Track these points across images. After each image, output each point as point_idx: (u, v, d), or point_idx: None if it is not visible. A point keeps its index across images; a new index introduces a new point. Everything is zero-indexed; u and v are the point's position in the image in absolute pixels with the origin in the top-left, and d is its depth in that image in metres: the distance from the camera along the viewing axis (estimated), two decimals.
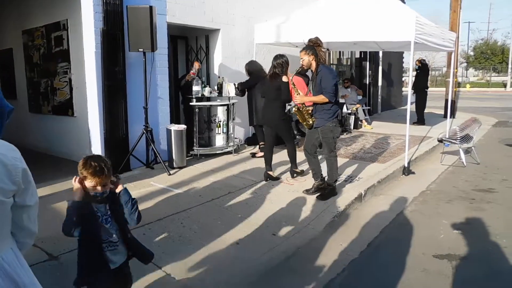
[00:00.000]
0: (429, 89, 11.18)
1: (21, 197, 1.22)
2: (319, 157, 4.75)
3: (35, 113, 7.17)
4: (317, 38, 4.45)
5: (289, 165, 5.41)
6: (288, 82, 4.98)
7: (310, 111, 4.55)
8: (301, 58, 4.36)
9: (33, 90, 7.12)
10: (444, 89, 13.21)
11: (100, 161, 1.97)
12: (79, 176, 1.98)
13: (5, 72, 7.92)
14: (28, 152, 6.67)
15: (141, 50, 5.30)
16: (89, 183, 1.96)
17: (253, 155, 6.55)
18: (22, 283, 1.21)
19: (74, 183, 1.97)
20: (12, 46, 7.55)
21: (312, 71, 4.45)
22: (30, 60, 7.04)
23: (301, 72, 4.81)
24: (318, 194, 4.49)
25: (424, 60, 11.31)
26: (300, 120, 4.71)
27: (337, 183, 4.71)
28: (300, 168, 5.41)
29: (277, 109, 5.12)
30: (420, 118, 10.50)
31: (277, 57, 5.16)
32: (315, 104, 4.46)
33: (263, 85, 5.42)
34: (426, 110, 10.78)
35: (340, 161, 6.19)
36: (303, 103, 4.55)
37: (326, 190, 4.50)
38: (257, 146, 6.82)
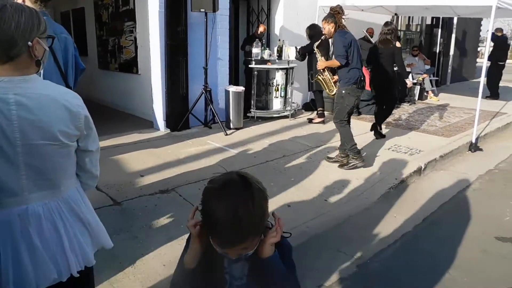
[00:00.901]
0: (510, 60, 10.14)
1: (83, 142, 1.30)
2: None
3: (103, 70, 7.56)
4: (338, 6, 4.36)
5: None
6: (401, 48, 5.24)
7: (335, 80, 4.53)
8: (323, 27, 4.41)
9: (102, 47, 7.47)
10: None
11: (239, 206, 1.04)
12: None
13: (77, 30, 8.36)
14: (96, 105, 7.15)
15: (203, 10, 5.31)
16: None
17: (310, 120, 6.47)
18: (86, 220, 1.32)
19: (190, 222, 1.17)
20: (84, 5, 7.90)
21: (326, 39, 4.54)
22: (100, 18, 7.35)
23: (321, 44, 4.86)
24: (338, 163, 4.41)
25: (502, 30, 10.22)
26: (324, 88, 4.74)
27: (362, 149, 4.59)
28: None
29: (393, 74, 5.50)
30: (493, 93, 9.68)
31: (387, 23, 5.40)
32: (334, 70, 4.49)
33: (373, 52, 5.50)
34: (502, 84, 9.90)
35: (401, 132, 5.98)
36: (324, 70, 4.57)
37: (344, 160, 4.39)
38: (315, 112, 6.70)
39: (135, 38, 6.37)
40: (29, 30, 1.13)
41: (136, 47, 6.40)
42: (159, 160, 4.37)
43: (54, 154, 1.20)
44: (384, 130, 5.96)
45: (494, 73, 9.71)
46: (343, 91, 4.26)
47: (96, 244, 1.37)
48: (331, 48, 4.64)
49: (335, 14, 4.28)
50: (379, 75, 5.50)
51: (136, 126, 5.80)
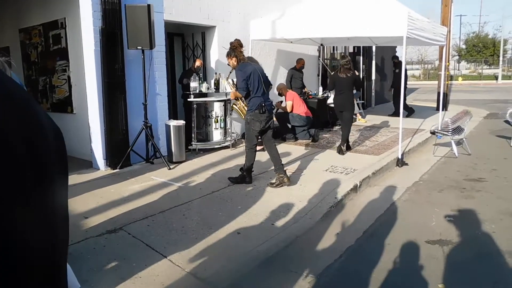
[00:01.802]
0: (422, 82, 11.52)
1: None
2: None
3: None
4: (236, 41, 4.83)
5: (287, 160, 5.59)
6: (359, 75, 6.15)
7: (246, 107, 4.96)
8: (228, 63, 4.85)
9: (32, 87, 7.18)
10: (436, 82, 13.39)
11: None
12: None
13: None
14: None
15: (140, 47, 5.40)
16: None
17: None
18: None
19: None
20: (9, 44, 7.59)
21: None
22: (28, 58, 7.10)
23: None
24: (232, 178, 4.89)
25: (397, 58, 11.73)
26: (240, 115, 5.30)
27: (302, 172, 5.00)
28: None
29: (352, 97, 6.57)
30: (396, 111, 10.90)
31: (343, 57, 6.73)
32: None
33: (337, 80, 6.50)
34: (418, 103, 11.00)
35: (336, 154, 6.38)
36: (237, 99, 5.17)
37: (239, 176, 4.85)
38: None
39: (69, 77, 6.25)
40: None
41: (70, 86, 6.27)
42: (102, 200, 4.28)
43: None
44: (320, 153, 6.35)
45: (398, 95, 11.01)
46: (248, 117, 4.71)
47: None
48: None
49: (235, 48, 4.70)
50: (341, 98, 6.50)
51: (74, 167, 5.61)
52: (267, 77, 4.90)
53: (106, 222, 3.68)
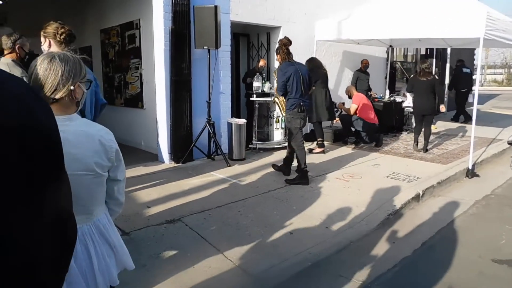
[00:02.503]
0: (505, 88, 10.79)
1: (114, 172, 1.48)
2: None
3: (109, 105, 7.79)
4: (284, 38, 4.94)
5: (347, 164, 5.50)
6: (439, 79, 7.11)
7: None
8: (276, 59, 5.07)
9: (108, 84, 7.77)
10: None
11: None
12: None
13: None
14: None
15: (206, 47, 5.60)
16: None
17: (310, 150, 6.64)
18: (113, 243, 1.47)
19: None
20: (91, 43, 8.26)
21: None
22: (106, 56, 7.68)
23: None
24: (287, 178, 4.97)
25: (462, 61, 11.17)
26: (280, 109, 5.49)
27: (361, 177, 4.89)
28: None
29: (434, 100, 6.61)
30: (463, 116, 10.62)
31: (424, 61, 6.89)
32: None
33: (416, 83, 6.68)
34: (497, 111, 10.19)
35: (399, 160, 6.14)
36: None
37: (296, 177, 4.91)
38: (315, 143, 6.88)
39: (141, 74, 6.66)
40: (73, 76, 1.33)
41: (141, 83, 6.68)
42: (164, 191, 4.51)
43: (90, 183, 1.38)
44: (382, 159, 6.14)
45: (461, 98, 10.75)
46: (288, 117, 4.91)
47: (119, 266, 1.52)
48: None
49: (281, 46, 4.88)
50: (422, 102, 6.67)
51: (141, 159, 5.97)
52: (309, 78, 4.98)
53: (166, 212, 3.88)
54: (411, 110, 9.24)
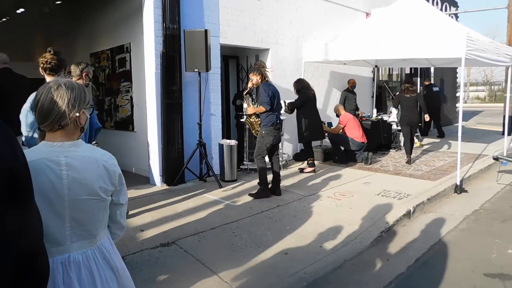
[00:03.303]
0: (488, 104, 11.32)
1: (116, 196, 1.51)
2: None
3: None
4: (262, 61, 5.45)
5: (338, 183, 5.55)
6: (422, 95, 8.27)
7: (259, 122, 5.32)
8: (251, 79, 5.22)
9: (98, 107, 7.76)
10: (503, 104, 12.65)
11: None
12: None
13: None
14: None
15: (196, 70, 5.69)
16: None
17: (301, 170, 6.70)
18: (115, 266, 1.48)
19: None
20: None
21: (257, 88, 5.30)
22: (96, 80, 7.71)
23: (249, 92, 5.64)
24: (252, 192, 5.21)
25: (429, 79, 11.93)
26: (252, 129, 5.58)
27: (352, 196, 4.92)
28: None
29: (418, 113, 7.71)
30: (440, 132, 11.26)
31: (408, 81, 8.07)
32: (261, 115, 5.24)
33: (402, 100, 7.56)
34: (482, 127, 10.47)
35: (389, 177, 6.22)
36: (251, 115, 5.46)
37: (258, 190, 5.16)
38: (305, 162, 6.94)
39: (131, 97, 6.70)
40: (78, 103, 1.37)
41: (132, 106, 6.71)
42: (157, 214, 4.49)
43: (94, 207, 1.40)
44: (372, 177, 6.22)
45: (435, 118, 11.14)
46: (263, 132, 5.13)
47: None
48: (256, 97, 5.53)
49: (261, 67, 5.20)
50: (409, 115, 7.42)
51: (133, 182, 5.94)
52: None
53: (160, 235, 3.85)
54: (399, 128, 9.48)
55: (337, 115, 7.74)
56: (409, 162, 7.29)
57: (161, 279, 3.04)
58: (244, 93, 5.67)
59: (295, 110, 6.83)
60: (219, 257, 3.40)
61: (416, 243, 3.88)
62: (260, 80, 5.15)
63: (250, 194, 5.18)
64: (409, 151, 7.38)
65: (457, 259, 3.51)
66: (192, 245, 3.63)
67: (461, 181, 5.74)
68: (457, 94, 17.06)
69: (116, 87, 7.11)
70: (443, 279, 3.13)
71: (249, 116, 5.53)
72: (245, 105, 6.61)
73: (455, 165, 6.20)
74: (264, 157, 5.23)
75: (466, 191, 5.67)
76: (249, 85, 5.31)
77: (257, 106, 5.34)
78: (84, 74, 3.87)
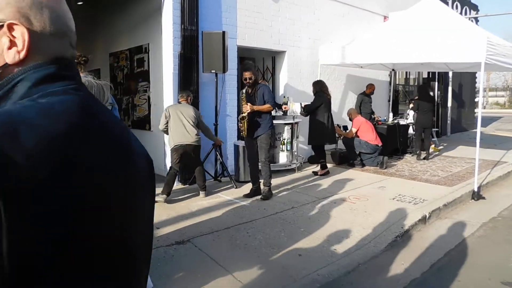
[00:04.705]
0: (508, 110, 11.01)
1: None
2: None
3: None
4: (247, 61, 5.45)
5: (353, 186, 5.57)
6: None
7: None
8: (249, 77, 5.03)
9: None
10: None
11: None
12: None
13: None
14: None
15: (214, 71, 5.74)
16: None
17: (315, 173, 6.68)
18: None
19: None
20: (100, 66, 8.46)
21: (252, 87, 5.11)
22: (115, 79, 7.85)
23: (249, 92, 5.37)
24: (260, 196, 5.18)
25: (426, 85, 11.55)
26: (242, 131, 5.26)
27: (367, 200, 5.19)
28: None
29: (432, 117, 8.56)
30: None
31: (425, 84, 9.02)
32: (254, 116, 5.06)
33: (420, 103, 8.16)
34: (501, 134, 10.27)
35: (404, 182, 6.16)
36: (248, 115, 5.08)
37: (264, 191, 5.18)
38: (318, 165, 6.93)
39: (149, 97, 6.79)
40: None
41: (149, 106, 6.80)
42: (173, 213, 4.55)
43: None
44: (387, 181, 6.17)
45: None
46: (264, 135, 5.11)
47: None
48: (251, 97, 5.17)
49: (257, 69, 5.37)
50: (425, 117, 8.15)
51: None
52: None
53: (175, 233, 3.91)
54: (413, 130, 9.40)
55: (350, 119, 7.71)
56: (418, 157, 8.10)
57: (176, 276, 3.09)
58: (243, 91, 5.22)
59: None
60: (233, 257, 3.43)
61: (431, 248, 3.84)
62: (255, 80, 5.13)
63: (245, 195, 5.23)
64: (419, 147, 8.21)
65: (473, 266, 3.46)
66: (207, 244, 3.67)
67: (478, 188, 5.65)
68: (476, 100, 16.79)
69: (134, 87, 7.22)
70: (458, 285, 3.10)
71: (244, 117, 5.09)
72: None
73: (473, 171, 6.11)
74: (270, 157, 5.35)
75: (483, 198, 5.58)
76: (252, 81, 5.08)
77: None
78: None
